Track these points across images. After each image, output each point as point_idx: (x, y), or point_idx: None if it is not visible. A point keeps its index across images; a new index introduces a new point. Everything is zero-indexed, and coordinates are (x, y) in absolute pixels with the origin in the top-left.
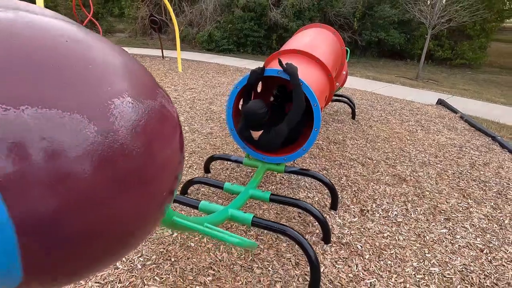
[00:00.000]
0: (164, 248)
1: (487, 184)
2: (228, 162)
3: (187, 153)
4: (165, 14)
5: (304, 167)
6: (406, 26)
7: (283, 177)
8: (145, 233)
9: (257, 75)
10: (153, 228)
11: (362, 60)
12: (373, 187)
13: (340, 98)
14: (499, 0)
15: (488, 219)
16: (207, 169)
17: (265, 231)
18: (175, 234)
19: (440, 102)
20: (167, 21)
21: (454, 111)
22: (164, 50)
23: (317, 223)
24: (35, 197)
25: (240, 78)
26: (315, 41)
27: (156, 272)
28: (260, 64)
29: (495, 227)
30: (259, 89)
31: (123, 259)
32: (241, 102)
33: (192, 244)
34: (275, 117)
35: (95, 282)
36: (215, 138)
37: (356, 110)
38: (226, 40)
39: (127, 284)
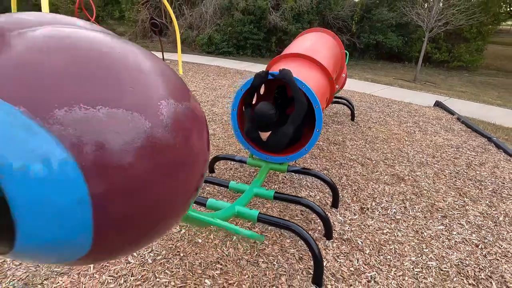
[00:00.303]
0: (173, 244)
1: (482, 183)
2: (232, 162)
3: None
4: (165, 17)
5: (306, 167)
6: (404, 29)
7: (285, 177)
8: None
9: (261, 78)
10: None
11: (361, 63)
12: (373, 186)
13: (340, 100)
14: (495, 3)
15: (484, 217)
16: (211, 169)
17: (270, 227)
18: (183, 230)
19: (438, 104)
20: (167, 24)
21: (451, 112)
22: (164, 53)
23: (319, 220)
24: (108, 179)
25: (241, 81)
26: (316, 45)
27: (166, 266)
28: (259, 66)
29: (490, 224)
30: (261, 91)
31: (134, 254)
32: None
33: (200, 240)
34: (278, 118)
35: (109, 276)
36: (218, 139)
37: (355, 112)
38: (226, 43)
39: (139, 277)
